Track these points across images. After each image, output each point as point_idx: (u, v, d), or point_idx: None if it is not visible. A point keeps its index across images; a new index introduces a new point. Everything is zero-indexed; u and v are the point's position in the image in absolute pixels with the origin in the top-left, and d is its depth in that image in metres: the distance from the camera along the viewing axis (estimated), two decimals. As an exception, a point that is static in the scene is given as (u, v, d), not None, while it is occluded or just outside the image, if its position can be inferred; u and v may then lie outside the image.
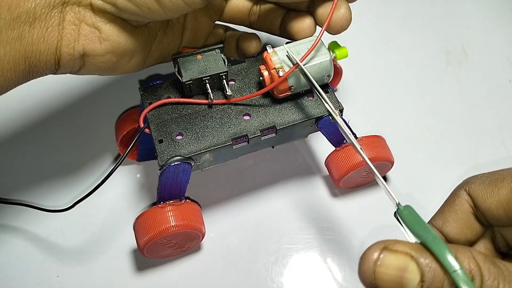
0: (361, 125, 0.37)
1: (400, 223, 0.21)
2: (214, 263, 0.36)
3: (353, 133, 0.35)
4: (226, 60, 0.32)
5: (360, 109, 0.44)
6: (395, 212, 0.22)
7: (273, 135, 0.32)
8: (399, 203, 0.22)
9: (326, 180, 0.40)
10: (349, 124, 0.34)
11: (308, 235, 0.37)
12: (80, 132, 0.42)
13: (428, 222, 0.26)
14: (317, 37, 0.31)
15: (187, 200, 0.33)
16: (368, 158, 0.34)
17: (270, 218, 0.38)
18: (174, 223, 0.31)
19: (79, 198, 0.33)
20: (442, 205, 0.26)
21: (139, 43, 0.29)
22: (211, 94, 0.32)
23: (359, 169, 0.34)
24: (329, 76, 0.33)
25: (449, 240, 0.25)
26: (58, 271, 0.35)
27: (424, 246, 0.19)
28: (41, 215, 0.37)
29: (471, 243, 0.25)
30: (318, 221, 0.38)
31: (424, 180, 0.40)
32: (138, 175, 0.40)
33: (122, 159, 0.33)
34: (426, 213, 0.37)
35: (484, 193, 0.23)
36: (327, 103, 0.29)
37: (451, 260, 0.18)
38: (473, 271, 0.18)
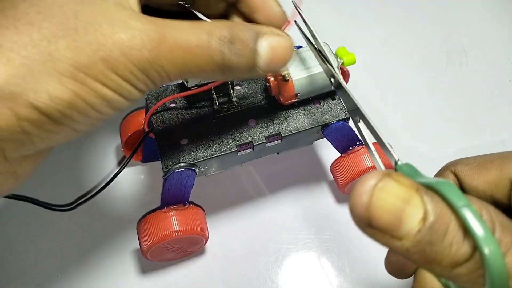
0: (362, 129, 0.37)
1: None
2: (215, 264, 0.36)
3: (359, 140, 0.34)
4: None
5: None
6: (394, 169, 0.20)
7: (279, 142, 0.32)
8: (398, 159, 0.20)
9: (329, 185, 0.39)
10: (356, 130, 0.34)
11: (308, 235, 0.37)
12: (85, 134, 0.42)
13: None
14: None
15: (191, 204, 0.33)
16: (374, 165, 0.34)
17: (271, 219, 0.38)
18: (177, 228, 0.31)
19: (84, 198, 0.33)
20: None
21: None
22: (216, 99, 0.32)
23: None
24: (336, 83, 0.32)
25: None
26: (58, 271, 0.36)
27: (430, 189, 0.17)
28: (42, 215, 0.37)
29: None
30: (318, 222, 0.38)
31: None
32: (143, 176, 0.40)
33: (126, 162, 0.33)
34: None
35: (471, 173, 0.23)
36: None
37: (460, 196, 0.16)
38: (485, 218, 0.16)
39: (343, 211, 0.38)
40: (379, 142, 0.22)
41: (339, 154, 0.35)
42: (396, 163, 0.20)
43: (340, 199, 0.39)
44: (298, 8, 0.28)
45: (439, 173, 0.25)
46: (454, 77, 0.46)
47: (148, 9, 0.24)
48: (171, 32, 0.21)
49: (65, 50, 0.19)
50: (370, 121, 0.23)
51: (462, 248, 0.16)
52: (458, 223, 0.16)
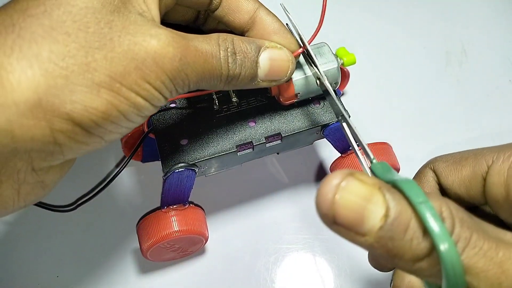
0: (364, 130, 0.37)
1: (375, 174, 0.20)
2: (215, 265, 0.36)
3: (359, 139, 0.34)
4: None
5: (361, 111, 0.43)
6: (370, 169, 0.20)
7: (278, 142, 0.32)
8: (374, 158, 0.20)
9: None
10: (356, 131, 0.34)
11: (308, 235, 0.37)
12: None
13: None
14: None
15: (191, 204, 0.33)
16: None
17: (271, 219, 0.38)
18: (177, 228, 0.31)
19: (83, 199, 0.33)
20: None
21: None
22: (216, 100, 0.32)
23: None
24: (336, 83, 0.32)
25: None
26: (58, 271, 0.36)
27: (394, 187, 0.17)
28: (42, 215, 0.37)
29: None
30: (318, 222, 0.37)
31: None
32: (142, 176, 0.40)
33: (126, 162, 0.32)
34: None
35: (448, 170, 0.23)
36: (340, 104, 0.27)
37: (419, 193, 0.16)
38: (444, 214, 0.16)
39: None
40: (358, 142, 0.23)
41: (339, 155, 0.35)
42: (371, 161, 0.20)
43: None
44: (286, 11, 0.29)
45: (420, 170, 0.25)
46: (454, 77, 0.46)
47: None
48: (193, 42, 0.22)
49: (102, 61, 0.19)
50: (349, 122, 0.25)
51: (422, 244, 0.16)
52: (418, 219, 0.16)
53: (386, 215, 0.16)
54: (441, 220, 0.16)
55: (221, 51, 0.23)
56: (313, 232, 0.37)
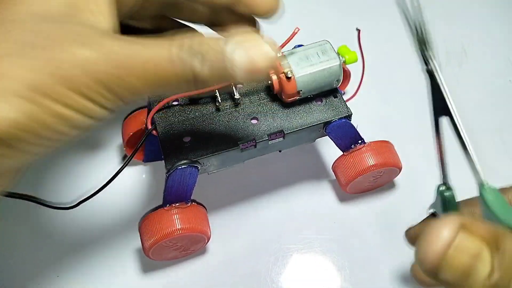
0: (366, 129, 0.37)
1: (486, 204, 0.19)
2: (215, 265, 0.36)
3: (361, 138, 0.35)
4: None
5: (362, 110, 0.43)
6: (480, 193, 0.19)
7: (281, 139, 0.32)
8: (484, 182, 0.19)
9: (331, 184, 0.39)
10: (357, 129, 0.34)
11: (308, 235, 0.37)
12: (88, 133, 0.42)
13: None
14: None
15: (193, 203, 0.33)
16: (376, 164, 0.34)
17: (271, 219, 0.38)
18: (180, 226, 0.31)
19: (84, 197, 0.33)
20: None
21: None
22: (219, 97, 0.32)
23: (367, 174, 0.34)
24: (338, 80, 0.32)
25: None
26: (58, 271, 0.35)
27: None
28: (42, 214, 0.37)
29: None
30: (318, 221, 0.38)
31: (428, 184, 0.40)
32: (144, 176, 0.40)
33: (128, 160, 0.32)
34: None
35: None
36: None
37: None
38: None
39: (345, 210, 0.38)
40: (467, 155, 0.22)
41: (341, 153, 0.35)
42: (482, 185, 0.19)
43: (341, 198, 0.39)
44: None
45: None
46: (454, 77, 0.46)
47: (127, 29, 0.23)
48: (140, 48, 0.20)
49: (18, 69, 0.18)
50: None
51: None
52: None
53: (491, 274, 0.16)
54: None
55: (183, 55, 0.20)
56: (313, 232, 0.37)
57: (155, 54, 0.20)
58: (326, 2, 0.52)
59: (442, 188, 0.22)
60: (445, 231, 0.16)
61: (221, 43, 0.21)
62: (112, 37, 0.20)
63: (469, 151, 0.21)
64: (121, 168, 0.33)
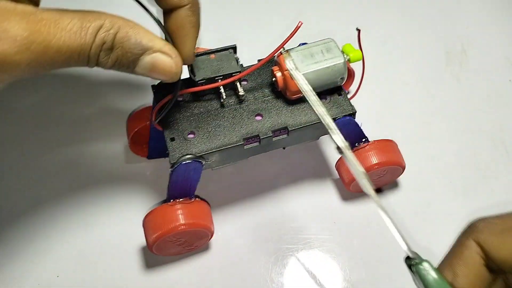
0: (367, 128, 0.37)
1: (418, 277, 0.21)
2: (215, 264, 0.36)
3: (365, 137, 0.35)
4: (238, 60, 0.32)
5: (364, 109, 0.43)
6: (409, 264, 0.22)
7: (285, 136, 0.32)
8: (414, 256, 0.22)
9: (334, 183, 0.39)
10: (362, 128, 0.34)
11: (308, 235, 0.37)
12: (91, 128, 0.43)
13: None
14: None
15: (197, 198, 0.33)
16: (380, 162, 0.34)
17: (272, 219, 0.38)
18: (183, 221, 0.31)
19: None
20: (449, 253, 0.24)
21: None
22: (223, 93, 0.32)
23: (371, 172, 0.34)
24: (342, 78, 0.33)
25: None
26: (58, 271, 0.35)
27: None
28: (42, 214, 0.37)
29: None
30: (319, 221, 0.38)
31: (429, 183, 0.40)
32: (148, 173, 0.40)
33: (168, 107, 0.30)
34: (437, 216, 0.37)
35: (497, 244, 0.22)
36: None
37: None
38: None
39: (345, 210, 0.38)
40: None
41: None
42: (411, 264, 0.22)
43: (343, 197, 0.39)
44: None
45: (462, 242, 0.23)
46: (454, 77, 0.47)
47: None
48: (57, 36, 0.21)
49: None
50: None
51: None
52: None
53: None
54: None
55: (92, 46, 0.22)
56: (313, 232, 0.37)
57: (69, 47, 0.21)
58: (326, 2, 0.52)
59: (410, 262, 0.23)
60: None
61: (135, 47, 0.23)
62: (25, 14, 0.20)
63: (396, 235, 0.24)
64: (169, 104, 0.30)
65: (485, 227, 0.22)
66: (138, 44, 0.24)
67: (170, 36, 0.27)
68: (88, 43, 0.22)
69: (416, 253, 0.23)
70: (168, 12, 0.27)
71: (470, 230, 0.23)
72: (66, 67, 0.22)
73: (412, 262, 0.22)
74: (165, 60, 0.25)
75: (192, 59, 0.29)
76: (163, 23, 0.27)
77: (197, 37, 0.28)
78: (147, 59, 0.24)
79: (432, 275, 0.21)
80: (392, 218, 0.24)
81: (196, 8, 0.27)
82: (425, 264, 0.22)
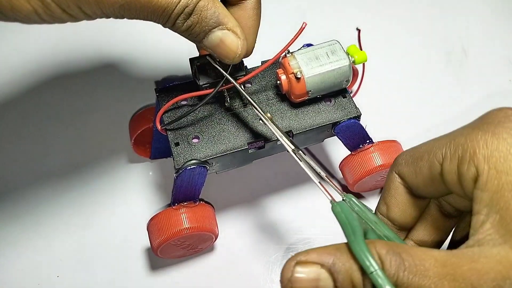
0: (371, 127, 0.37)
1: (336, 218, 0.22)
2: (215, 264, 0.36)
3: (369, 138, 0.34)
4: (243, 63, 0.32)
5: (366, 109, 0.43)
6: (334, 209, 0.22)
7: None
8: (332, 200, 0.22)
9: (337, 183, 0.39)
10: (366, 129, 0.34)
11: (308, 235, 0.37)
12: (94, 128, 0.42)
13: (376, 210, 0.26)
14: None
15: (201, 202, 0.33)
16: (384, 164, 0.34)
17: (275, 219, 0.38)
18: (188, 225, 0.31)
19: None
20: (383, 189, 0.25)
21: None
22: (227, 97, 0.32)
23: (375, 174, 0.34)
24: (347, 81, 0.32)
25: (396, 224, 0.25)
26: (58, 271, 0.35)
27: (348, 246, 0.19)
28: (42, 214, 0.37)
29: (417, 219, 0.25)
30: (318, 222, 0.38)
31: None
32: (151, 173, 0.40)
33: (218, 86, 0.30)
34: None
35: (410, 173, 0.23)
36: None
37: (368, 260, 0.18)
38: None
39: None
40: (319, 178, 0.26)
41: (349, 152, 0.35)
42: (331, 202, 0.22)
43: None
44: None
45: (388, 176, 0.25)
46: (454, 77, 0.46)
47: None
48: None
49: None
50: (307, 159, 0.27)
51: None
52: (369, 281, 0.18)
53: (336, 286, 0.19)
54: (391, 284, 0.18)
55: (177, 7, 0.23)
56: (313, 232, 0.37)
57: (158, 1, 0.23)
58: (325, 4, 0.52)
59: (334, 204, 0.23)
60: (286, 272, 0.19)
61: (211, 18, 0.25)
62: None
63: (322, 176, 0.26)
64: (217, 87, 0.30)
65: (402, 158, 0.24)
66: (214, 17, 0.25)
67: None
68: (174, 2, 0.23)
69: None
70: (234, 3, 0.28)
71: (393, 164, 0.25)
72: (146, 19, 0.24)
73: (334, 203, 0.22)
74: (234, 39, 0.26)
75: (251, 52, 0.29)
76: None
77: (258, 30, 0.29)
78: (218, 33, 0.26)
79: (346, 213, 0.21)
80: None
81: (260, 0, 0.28)
82: (341, 204, 0.22)
